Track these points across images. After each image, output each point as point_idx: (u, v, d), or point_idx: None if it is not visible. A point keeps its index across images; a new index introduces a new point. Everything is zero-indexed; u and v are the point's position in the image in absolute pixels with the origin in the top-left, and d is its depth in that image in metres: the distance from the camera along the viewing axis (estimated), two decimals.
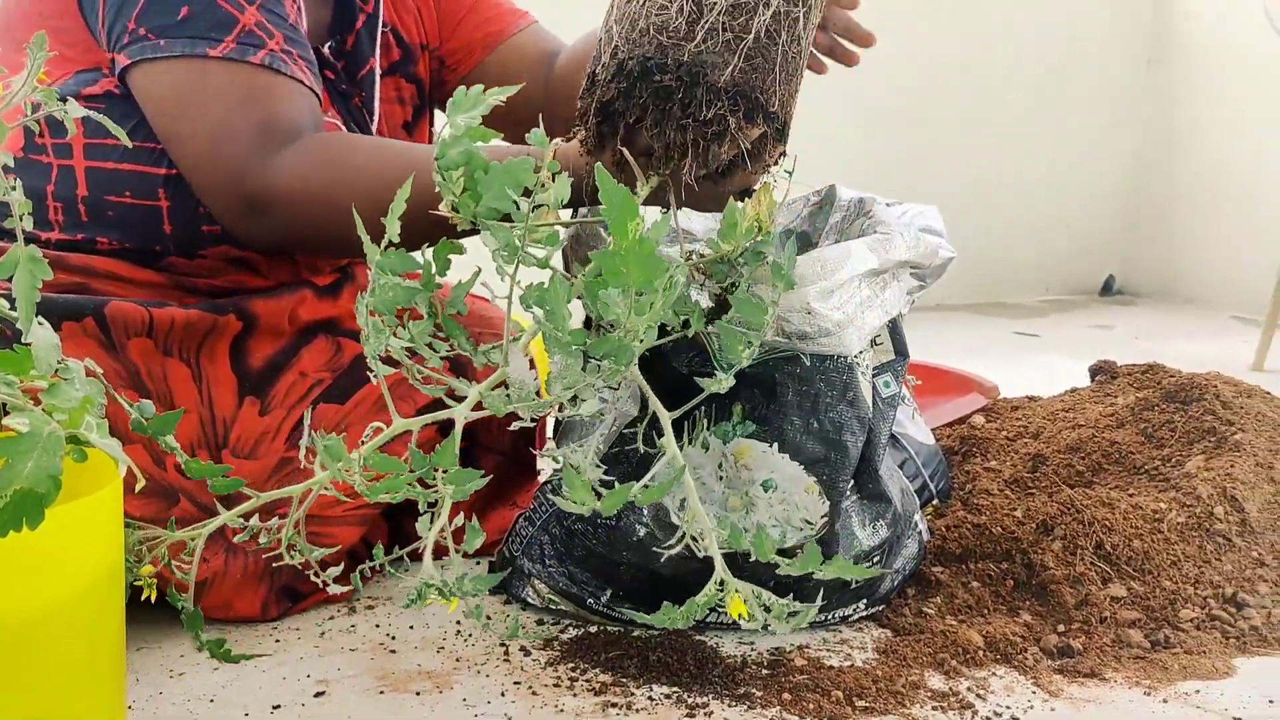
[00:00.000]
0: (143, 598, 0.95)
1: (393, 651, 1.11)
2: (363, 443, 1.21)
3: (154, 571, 0.96)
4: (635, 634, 1.12)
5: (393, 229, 0.90)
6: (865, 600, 1.19)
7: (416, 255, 0.96)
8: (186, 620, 1.02)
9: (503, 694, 1.03)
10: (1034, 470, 1.43)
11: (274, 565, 1.13)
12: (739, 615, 0.88)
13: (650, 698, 1.02)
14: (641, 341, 0.85)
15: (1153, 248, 4.07)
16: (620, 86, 0.91)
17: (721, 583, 0.90)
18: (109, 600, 0.81)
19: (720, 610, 1.14)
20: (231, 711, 0.99)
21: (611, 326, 0.85)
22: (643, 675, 1.06)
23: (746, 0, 0.90)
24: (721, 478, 1.10)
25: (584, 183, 0.94)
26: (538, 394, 0.94)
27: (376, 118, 1.34)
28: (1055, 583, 1.22)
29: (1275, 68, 3.49)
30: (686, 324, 0.97)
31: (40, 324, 0.75)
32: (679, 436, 1.11)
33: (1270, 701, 1.08)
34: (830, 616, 1.18)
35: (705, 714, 1.00)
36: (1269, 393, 1.55)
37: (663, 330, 0.94)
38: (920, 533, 1.26)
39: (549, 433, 1.43)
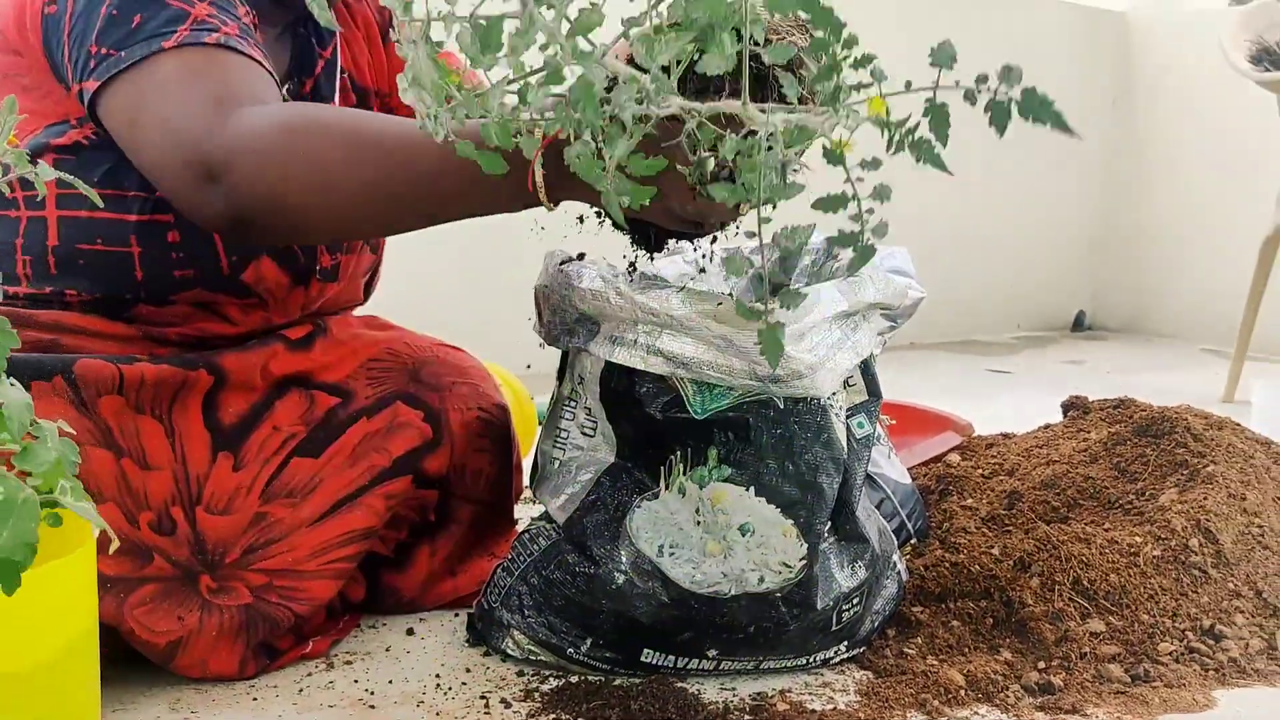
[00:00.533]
0: None
1: (372, 707, 1.10)
2: (342, 500, 1.21)
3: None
4: (616, 683, 1.12)
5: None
6: (846, 642, 1.19)
7: None
8: None
9: None
10: (1010, 507, 1.44)
11: (249, 622, 1.12)
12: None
13: None
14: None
15: (1122, 283, 4.12)
16: None
17: None
18: (83, 662, 0.80)
19: (702, 657, 1.14)
20: None
21: None
22: None
23: None
24: (699, 523, 1.10)
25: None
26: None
27: None
28: (1034, 619, 1.22)
29: (1235, 107, 3.56)
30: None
31: (11, 385, 0.75)
32: (655, 483, 1.11)
33: None
34: (812, 660, 1.18)
35: None
36: (1239, 424, 1.56)
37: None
38: (899, 573, 1.26)
39: (525, 480, 1.43)
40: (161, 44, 1.08)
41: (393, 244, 1.50)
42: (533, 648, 1.17)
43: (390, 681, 1.15)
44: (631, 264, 1.15)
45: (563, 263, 1.15)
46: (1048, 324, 4.08)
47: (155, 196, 1.17)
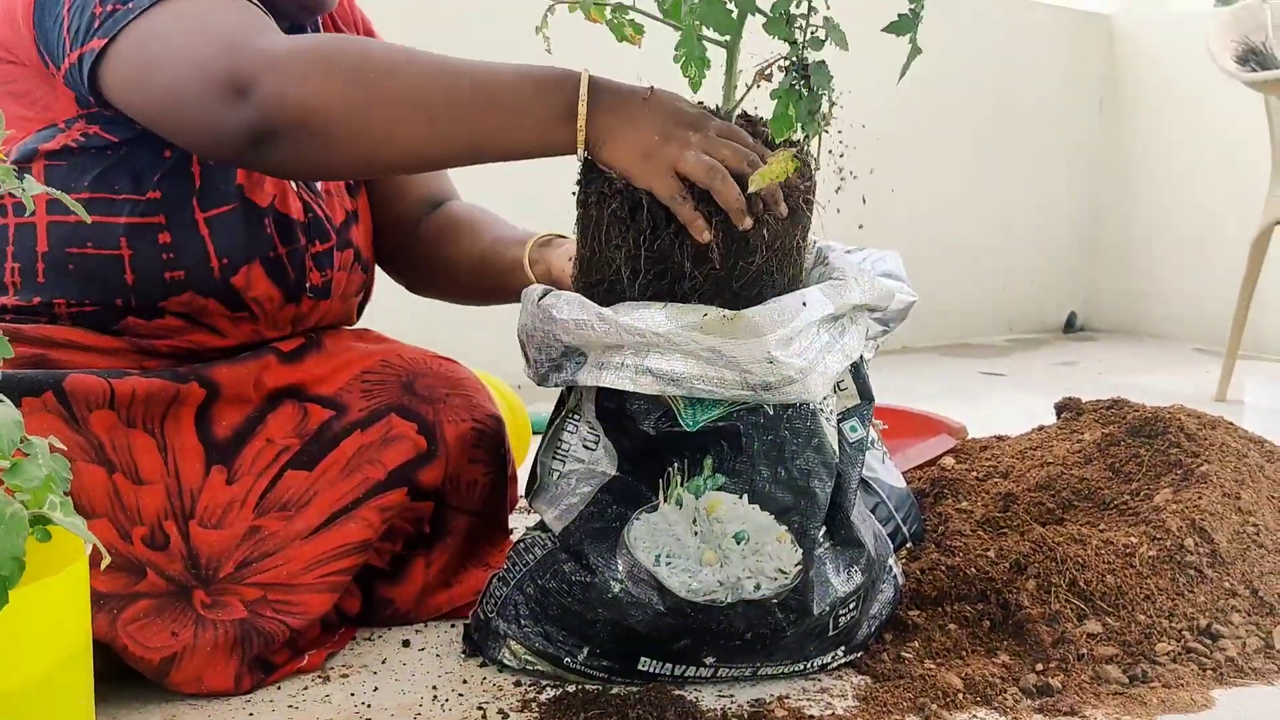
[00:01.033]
0: None
1: None
2: (336, 513, 1.21)
3: None
4: (614, 691, 1.11)
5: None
6: (844, 647, 1.19)
7: None
8: None
9: None
10: (1005, 509, 1.44)
11: (244, 637, 1.12)
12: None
13: None
14: None
15: (1113, 284, 4.13)
16: None
17: None
18: (77, 679, 0.80)
19: (699, 665, 1.13)
20: None
21: None
22: None
23: None
24: (696, 533, 1.10)
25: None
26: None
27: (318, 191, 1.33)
28: (1031, 621, 1.22)
29: (1222, 108, 3.57)
30: None
31: (1, 401, 0.75)
32: (654, 496, 1.11)
33: None
34: (809, 665, 1.17)
35: None
36: (1232, 423, 1.56)
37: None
38: (895, 577, 1.26)
39: (520, 490, 1.42)
40: None
41: None
42: (529, 657, 1.16)
43: (387, 694, 1.14)
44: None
45: (540, 297, 1.14)
46: (1040, 326, 4.09)
47: (146, 198, 1.17)
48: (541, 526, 1.21)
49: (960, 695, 1.13)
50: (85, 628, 0.81)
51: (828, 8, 1.04)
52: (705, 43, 1.04)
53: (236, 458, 1.20)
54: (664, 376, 1.07)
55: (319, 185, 1.31)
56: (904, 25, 1.03)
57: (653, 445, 1.10)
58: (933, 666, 1.18)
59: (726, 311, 1.06)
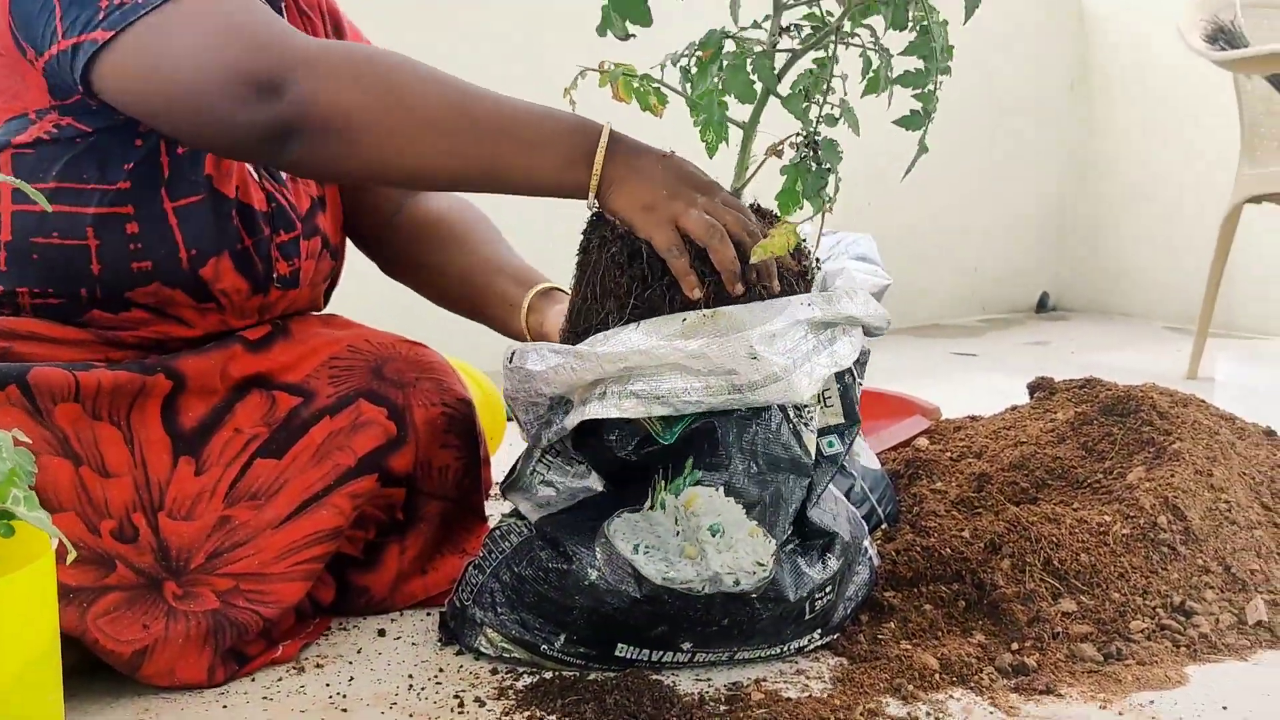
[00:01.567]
0: None
1: (344, 710, 1.08)
2: (307, 501, 1.20)
3: None
4: (591, 678, 1.11)
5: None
6: (820, 630, 1.19)
7: None
8: None
9: None
10: (979, 490, 1.44)
11: (217, 628, 1.11)
12: None
13: None
14: None
15: (1084, 264, 4.15)
16: None
17: None
18: (45, 676, 0.79)
19: (676, 650, 1.13)
20: None
21: None
22: (600, 719, 1.04)
23: None
24: (678, 532, 1.09)
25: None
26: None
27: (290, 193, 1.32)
28: (1006, 601, 1.23)
29: (1192, 87, 3.59)
30: None
31: None
32: (642, 502, 1.10)
33: (1224, 708, 1.09)
34: (786, 648, 1.17)
35: None
36: (1204, 401, 1.57)
37: None
38: (870, 559, 1.26)
39: (495, 475, 1.42)
40: None
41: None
42: (506, 645, 1.16)
43: (362, 683, 1.13)
44: None
45: (510, 359, 1.14)
46: (1012, 306, 4.10)
47: (115, 188, 1.15)
48: (517, 513, 1.20)
49: (936, 675, 1.13)
50: (52, 623, 0.80)
51: (844, 90, 1.07)
52: (725, 121, 1.08)
53: (204, 448, 1.19)
54: (648, 396, 1.06)
55: (283, 174, 1.29)
56: (914, 121, 1.07)
57: (636, 465, 1.10)
58: (909, 647, 1.18)
59: (706, 310, 1.06)
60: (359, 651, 1.21)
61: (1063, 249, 4.17)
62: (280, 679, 1.14)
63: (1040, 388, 1.70)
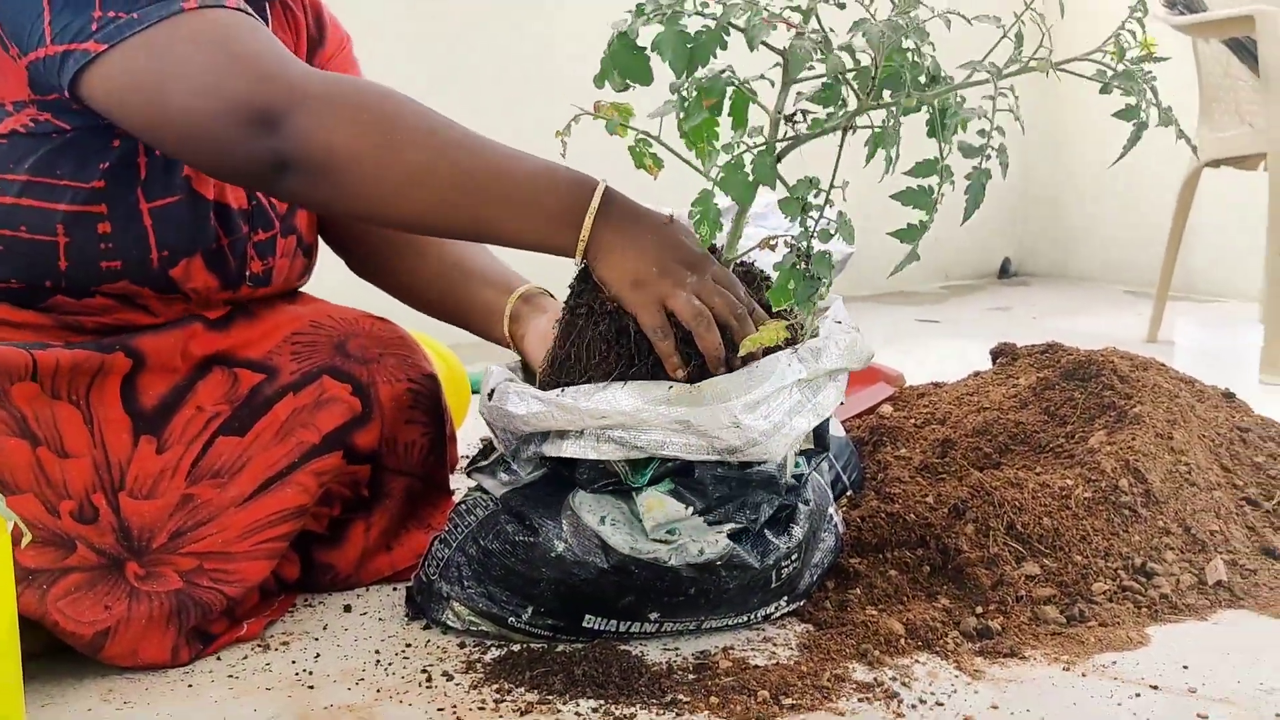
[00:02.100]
0: None
1: (311, 688, 1.08)
2: (271, 479, 1.19)
3: None
4: (559, 649, 1.11)
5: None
6: (786, 597, 1.19)
7: None
8: None
9: None
10: (943, 455, 1.45)
11: (180, 608, 1.10)
12: None
13: (577, 713, 1.01)
14: None
15: (1045, 230, 4.17)
16: None
17: None
18: (3, 660, 0.78)
19: (644, 620, 1.13)
20: None
21: None
22: (569, 690, 1.05)
23: None
24: (640, 520, 1.10)
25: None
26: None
27: None
28: (970, 565, 1.24)
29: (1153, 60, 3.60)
30: None
31: None
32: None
33: (1184, 667, 1.11)
34: (753, 616, 1.18)
35: None
36: (1164, 364, 1.58)
37: None
38: (836, 526, 1.27)
39: (460, 452, 1.41)
40: (181, 5, 1.06)
41: None
42: (473, 618, 1.15)
43: (329, 660, 1.13)
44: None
45: (490, 396, 1.13)
46: (974, 273, 4.13)
47: (89, 186, 1.13)
48: (482, 487, 1.20)
49: (902, 640, 1.14)
50: (10, 606, 0.79)
51: (844, 199, 1.06)
52: (719, 219, 1.07)
53: (166, 427, 1.18)
54: (627, 444, 1.07)
55: None
56: (910, 234, 1.07)
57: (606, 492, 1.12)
58: (874, 613, 1.19)
59: (691, 385, 1.07)
60: (325, 628, 1.20)
61: (1024, 215, 4.20)
62: (246, 657, 1.14)
63: (1002, 353, 1.71)
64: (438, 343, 1.83)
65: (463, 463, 1.46)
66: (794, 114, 1.06)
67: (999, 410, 1.51)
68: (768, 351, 1.09)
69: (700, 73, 1.01)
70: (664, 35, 0.98)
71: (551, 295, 1.32)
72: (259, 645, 1.16)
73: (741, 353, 1.07)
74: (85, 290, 1.17)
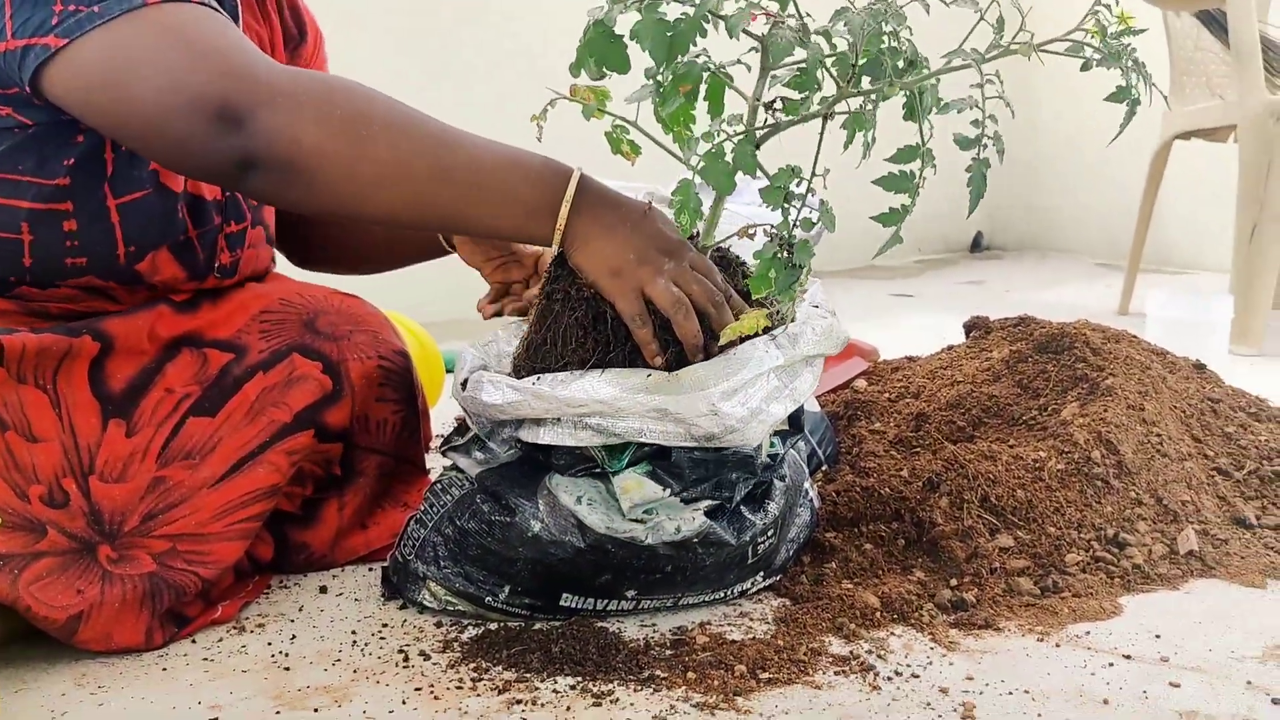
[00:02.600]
0: None
1: (286, 669, 1.07)
2: (243, 459, 1.18)
3: None
4: (536, 628, 1.11)
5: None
6: (763, 573, 1.19)
7: None
8: None
9: (404, 701, 1.01)
10: (917, 429, 1.46)
11: (154, 591, 1.09)
12: None
13: (555, 690, 1.01)
14: None
15: (1017, 203, 4.19)
16: None
17: None
18: None
19: (621, 598, 1.13)
20: None
21: None
22: (546, 668, 1.05)
23: None
24: (615, 498, 1.10)
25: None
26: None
27: None
28: (945, 538, 1.24)
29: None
30: None
31: None
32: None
33: (1157, 636, 1.12)
34: (729, 592, 1.18)
35: (611, 701, 0.99)
36: (1135, 336, 1.59)
37: None
38: (811, 500, 1.27)
39: (433, 430, 1.41)
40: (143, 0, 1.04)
41: None
42: (450, 598, 1.15)
43: (305, 641, 1.13)
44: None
45: (463, 387, 1.13)
46: (947, 246, 4.14)
47: (53, 183, 1.12)
48: (457, 467, 1.19)
49: (878, 614, 1.14)
50: None
51: (825, 187, 1.06)
52: (699, 208, 1.06)
53: (135, 410, 1.17)
54: (604, 431, 1.07)
55: None
56: (892, 218, 1.10)
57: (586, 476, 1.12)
58: (850, 586, 1.19)
59: (669, 373, 1.07)
60: (300, 609, 1.20)
61: (996, 188, 4.21)
62: (221, 640, 1.13)
63: (976, 327, 1.71)
64: (410, 320, 1.82)
65: (437, 441, 1.46)
66: (773, 101, 1.05)
67: (972, 384, 1.52)
68: (746, 338, 1.09)
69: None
70: (643, 23, 0.96)
71: None
72: (234, 627, 1.16)
73: (722, 342, 1.07)
74: (50, 284, 1.16)
